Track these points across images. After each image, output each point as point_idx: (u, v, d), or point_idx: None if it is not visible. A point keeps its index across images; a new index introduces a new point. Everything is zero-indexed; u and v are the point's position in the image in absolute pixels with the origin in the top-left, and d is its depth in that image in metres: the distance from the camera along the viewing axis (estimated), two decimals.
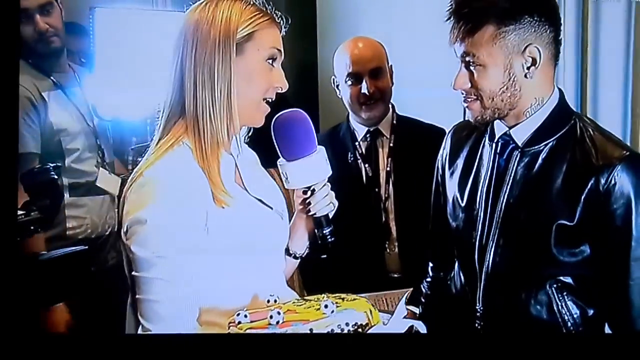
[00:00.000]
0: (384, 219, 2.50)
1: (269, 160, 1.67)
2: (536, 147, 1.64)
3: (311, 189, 1.58)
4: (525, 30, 1.56)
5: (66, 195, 2.47)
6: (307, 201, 1.59)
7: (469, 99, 1.64)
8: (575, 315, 1.64)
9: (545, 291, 1.64)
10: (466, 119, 1.74)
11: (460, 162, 1.80)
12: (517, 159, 1.66)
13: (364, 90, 2.44)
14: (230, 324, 1.33)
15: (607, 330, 1.67)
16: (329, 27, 3.55)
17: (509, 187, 1.66)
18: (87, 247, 2.33)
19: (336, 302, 1.32)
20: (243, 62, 1.47)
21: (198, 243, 1.42)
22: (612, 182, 1.54)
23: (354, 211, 2.31)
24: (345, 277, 2.29)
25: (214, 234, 1.44)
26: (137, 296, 1.41)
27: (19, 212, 2.01)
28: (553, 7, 1.63)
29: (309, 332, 1.27)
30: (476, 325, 1.72)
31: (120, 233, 1.44)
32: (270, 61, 1.51)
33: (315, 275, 2.23)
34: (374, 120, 2.51)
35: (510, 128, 1.67)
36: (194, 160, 1.46)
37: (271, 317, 1.28)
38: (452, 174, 1.82)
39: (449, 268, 1.89)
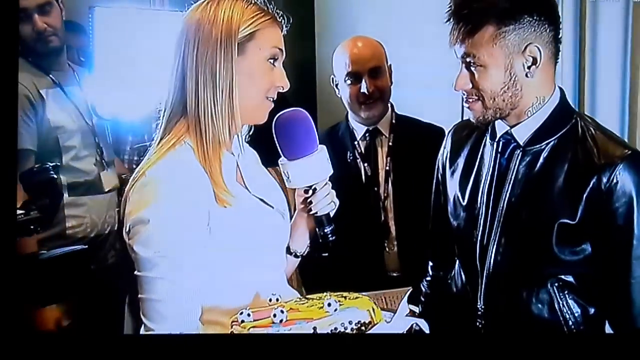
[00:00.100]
0: (383, 218, 2.50)
1: (269, 159, 1.67)
2: (538, 146, 1.64)
3: (312, 188, 1.58)
4: (525, 29, 1.57)
5: (65, 194, 2.47)
6: (309, 200, 1.59)
7: (471, 100, 1.64)
8: (576, 314, 1.65)
9: (547, 290, 1.64)
10: (467, 118, 1.74)
11: (461, 162, 1.80)
12: (519, 158, 1.66)
13: (363, 89, 2.44)
14: (233, 323, 1.33)
15: (608, 328, 1.68)
16: (327, 27, 3.55)
17: (510, 186, 1.66)
18: (86, 246, 2.34)
19: (339, 301, 1.32)
20: (245, 61, 1.47)
21: (200, 242, 1.41)
22: (614, 180, 1.55)
23: (353, 210, 2.31)
24: (344, 276, 2.28)
25: (216, 234, 1.43)
26: (139, 296, 1.41)
27: (19, 212, 2.01)
28: (552, 6, 1.64)
29: (312, 330, 1.27)
30: (477, 324, 1.72)
31: (122, 233, 1.44)
32: (271, 61, 1.50)
33: (314, 274, 2.23)
34: (373, 119, 2.51)
35: (511, 127, 1.67)
36: (196, 159, 1.46)
37: (274, 315, 1.28)
38: (452, 173, 1.82)
39: (449, 267, 1.90)
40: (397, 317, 1.36)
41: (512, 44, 1.57)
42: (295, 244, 1.67)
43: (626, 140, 2.84)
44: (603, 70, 3.04)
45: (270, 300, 1.41)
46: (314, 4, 3.61)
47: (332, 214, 1.61)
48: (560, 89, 1.69)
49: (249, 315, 1.31)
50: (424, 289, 2.02)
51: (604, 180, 1.56)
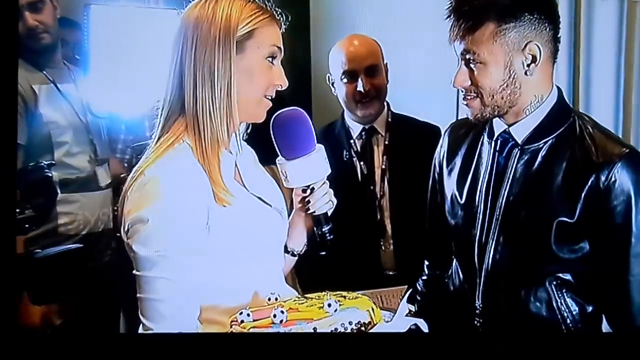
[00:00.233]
0: (379, 216, 2.50)
1: (266, 158, 1.67)
2: (536, 144, 1.64)
3: (310, 187, 1.57)
4: (525, 27, 1.57)
5: (58, 191, 2.45)
6: (307, 199, 1.59)
7: (469, 97, 1.64)
8: (574, 312, 1.65)
9: (545, 288, 1.65)
10: (464, 117, 1.74)
11: (458, 160, 1.80)
12: (517, 156, 1.66)
13: (360, 87, 2.44)
14: (233, 323, 1.32)
15: (606, 326, 1.68)
16: (323, 25, 3.55)
17: (508, 184, 1.66)
18: (81, 245, 2.33)
19: (338, 301, 1.31)
20: (243, 60, 1.46)
21: (199, 241, 1.41)
22: (612, 179, 1.55)
23: (349, 209, 2.30)
24: (340, 274, 2.28)
25: (215, 233, 1.43)
26: (138, 295, 1.40)
27: None
28: (552, 5, 1.64)
29: (312, 330, 1.26)
30: (475, 322, 1.72)
31: (120, 231, 1.43)
32: (270, 59, 1.50)
33: (310, 273, 2.23)
34: (370, 118, 2.51)
35: (509, 126, 1.67)
36: (195, 158, 1.45)
37: (274, 316, 1.27)
38: (450, 172, 1.82)
39: (446, 266, 1.90)
40: (397, 317, 1.36)
41: (512, 42, 1.57)
42: (292, 242, 1.67)
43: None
44: (597, 70, 3.05)
45: (269, 299, 1.41)
46: (309, 3, 3.60)
47: (330, 213, 1.61)
48: (558, 87, 1.69)
49: (248, 315, 1.31)
50: (419, 288, 2.02)
51: (603, 178, 1.56)
